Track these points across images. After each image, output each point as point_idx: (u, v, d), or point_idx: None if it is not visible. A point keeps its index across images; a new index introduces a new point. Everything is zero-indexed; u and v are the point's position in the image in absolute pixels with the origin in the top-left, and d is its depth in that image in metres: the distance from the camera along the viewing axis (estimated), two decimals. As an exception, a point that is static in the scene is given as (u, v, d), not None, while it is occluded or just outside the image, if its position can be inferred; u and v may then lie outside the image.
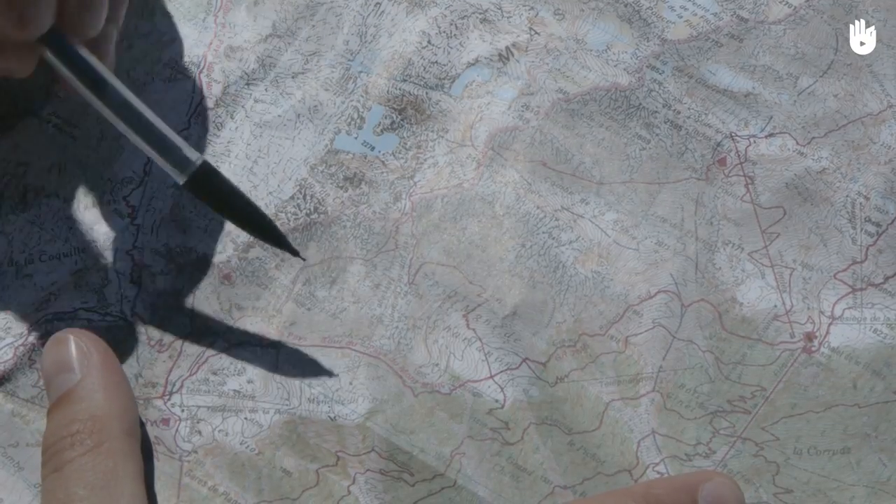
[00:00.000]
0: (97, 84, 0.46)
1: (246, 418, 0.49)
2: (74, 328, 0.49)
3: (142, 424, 0.48)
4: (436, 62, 0.54)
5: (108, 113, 0.46)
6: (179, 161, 0.46)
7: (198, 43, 0.53)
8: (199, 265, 0.51)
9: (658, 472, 0.48)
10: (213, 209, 0.48)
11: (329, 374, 0.49)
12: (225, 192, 0.47)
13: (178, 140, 0.47)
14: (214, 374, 0.49)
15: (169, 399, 0.49)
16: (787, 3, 0.54)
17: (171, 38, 0.53)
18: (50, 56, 0.46)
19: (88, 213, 0.51)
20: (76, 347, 0.46)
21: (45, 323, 0.49)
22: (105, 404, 0.45)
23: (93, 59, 0.46)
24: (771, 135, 0.52)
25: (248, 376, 0.49)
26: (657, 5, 0.54)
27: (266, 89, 0.53)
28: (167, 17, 0.54)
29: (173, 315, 0.50)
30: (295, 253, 0.48)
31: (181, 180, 0.47)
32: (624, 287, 0.51)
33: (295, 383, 0.49)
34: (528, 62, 0.54)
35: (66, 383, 0.46)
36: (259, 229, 0.47)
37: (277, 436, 0.48)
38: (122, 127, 0.47)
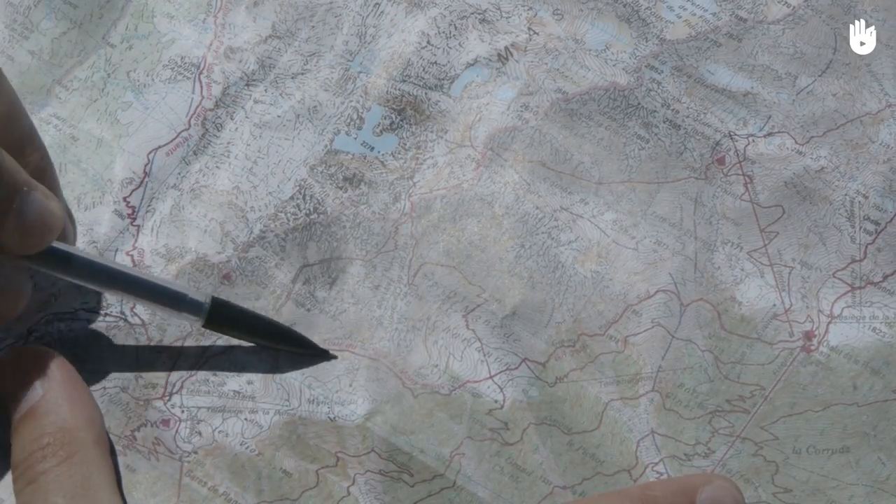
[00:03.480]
0: (89, 273, 0.47)
1: (246, 419, 0.49)
2: (29, 345, 0.49)
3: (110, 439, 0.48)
4: (435, 62, 0.54)
5: (107, 291, 0.48)
6: (191, 308, 0.48)
7: (197, 44, 0.53)
8: (199, 265, 0.51)
9: (657, 472, 0.48)
10: (235, 337, 0.50)
11: (329, 375, 0.49)
12: (239, 317, 0.49)
13: (180, 287, 0.48)
14: (214, 374, 0.49)
15: (169, 400, 0.49)
16: (786, 2, 0.54)
17: (171, 39, 0.53)
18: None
19: (88, 214, 0.51)
20: (35, 363, 0.46)
21: (45, 324, 0.49)
22: (72, 416, 0.45)
23: (73, 252, 0.47)
24: (770, 134, 0.52)
25: (248, 377, 0.49)
26: (656, 5, 0.54)
27: (266, 90, 0.53)
28: (167, 18, 0.54)
29: (173, 315, 0.50)
30: (324, 353, 0.50)
31: (199, 324, 0.48)
32: (623, 287, 0.51)
33: (295, 384, 0.49)
34: (527, 62, 0.54)
35: (29, 399, 0.45)
36: (280, 339, 0.50)
37: (277, 436, 0.49)
38: (124, 297, 0.48)
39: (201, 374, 0.49)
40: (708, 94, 0.53)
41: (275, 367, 0.49)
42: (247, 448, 0.48)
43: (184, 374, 0.49)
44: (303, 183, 0.52)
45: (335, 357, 0.50)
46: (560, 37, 0.54)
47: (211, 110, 0.53)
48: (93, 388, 0.47)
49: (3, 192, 0.43)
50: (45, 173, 0.47)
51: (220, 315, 0.49)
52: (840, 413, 0.49)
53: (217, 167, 0.52)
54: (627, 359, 0.50)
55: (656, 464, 0.49)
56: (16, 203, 0.43)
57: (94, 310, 0.50)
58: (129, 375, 0.49)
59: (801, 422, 0.49)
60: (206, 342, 0.50)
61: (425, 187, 0.52)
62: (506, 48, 0.54)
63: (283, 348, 0.50)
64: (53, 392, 0.45)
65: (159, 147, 0.52)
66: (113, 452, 0.48)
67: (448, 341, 0.50)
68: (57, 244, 0.46)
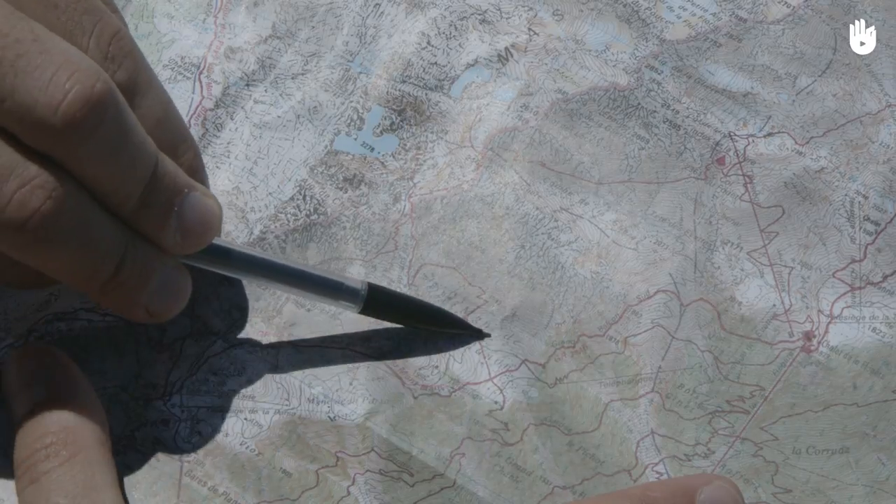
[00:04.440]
0: (247, 267, 0.48)
1: (246, 419, 0.49)
2: (34, 343, 0.49)
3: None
4: (435, 63, 0.54)
5: (264, 283, 0.49)
6: (348, 296, 0.49)
7: (198, 44, 0.53)
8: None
9: (657, 472, 0.48)
10: (390, 321, 0.50)
11: (329, 374, 0.49)
12: (394, 302, 0.50)
13: (336, 276, 0.49)
14: (214, 374, 0.49)
15: (169, 400, 0.49)
16: (786, 2, 0.54)
17: (171, 40, 0.53)
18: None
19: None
20: (39, 362, 0.46)
21: (45, 323, 0.49)
22: (75, 415, 0.45)
23: (232, 247, 0.48)
24: (770, 134, 0.52)
25: (248, 377, 0.49)
26: (656, 5, 0.54)
27: (266, 90, 0.53)
28: (167, 18, 0.54)
29: (173, 315, 0.50)
30: (478, 332, 0.50)
31: (356, 311, 0.49)
32: (623, 287, 0.51)
33: (295, 383, 0.49)
34: (528, 63, 0.54)
35: (32, 398, 0.45)
36: (435, 321, 0.50)
37: (277, 436, 0.48)
38: (282, 289, 0.49)
39: (201, 374, 0.49)
40: (708, 95, 0.53)
41: (275, 366, 0.49)
42: (247, 448, 0.48)
43: (184, 374, 0.49)
44: (303, 183, 0.52)
45: (489, 335, 0.50)
46: (560, 37, 0.54)
47: (211, 110, 0.53)
48: (92, 388, 0.47)
49: (164, 195, 0.44)
50: (198, 171, 0.48)
51: (377, 301, 0.49)
52: (840, 413, 0.49)
53: (217, 167, 0.52)
54: (627, 359, 0.50)
55: (656, 464, 0.49)
56: (177, 205, 0.44)
57: (94, 309, 0.50)
58: (129, 375, 0.49)
59: (801, 422, 0.49)
60: (206, 342, 0.50)
61: (425, 188, 0.52)
62: (506, 49, 0.54)
63: (438, 329, 0.50)
64: (57, 391, 0.45)
65: (159, 147, 0.52)
66: (116, 452, 0.48)
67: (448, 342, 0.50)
68: (216, 240, 0.47)
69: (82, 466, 0.44)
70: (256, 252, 0.48)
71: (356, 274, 0.51)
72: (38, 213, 0.41)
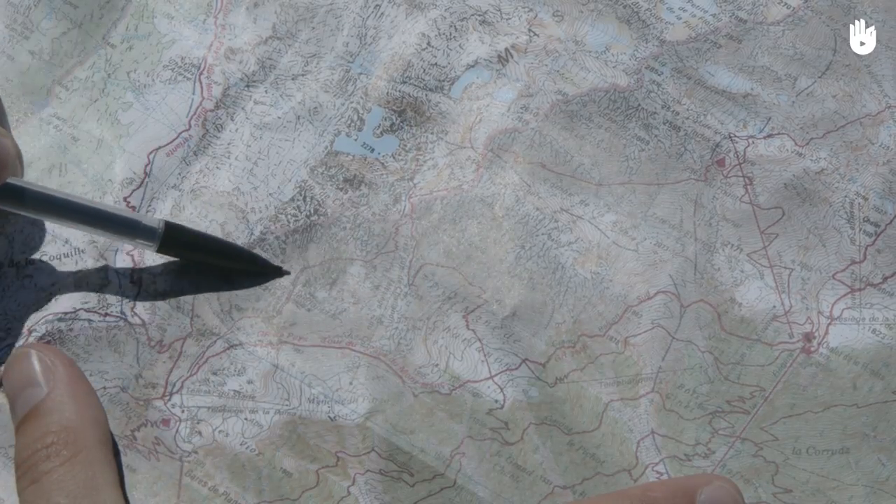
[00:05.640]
0: (43, 206, 0.48)
1: (246, 419, 0.49)
2: (35, 343, 0.49)
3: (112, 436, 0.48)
4: (435, 64, 0.54)
5: (62, 223, 0.48)
6: (145, 234, 0.49)
7: (198, 45, 0.53)
8: (200, 265, 0.51)
9: (657, 472, 0.48)
10: (190, 259, 0.50)
11: (329, 374, 0.49)
12: (194, 239, 0.50)
13: (133, 214, 0.49)
14: (214, 374, 0.49)
15: (169, 400, 0.49)
16: (786, 3, 0.54)
17: (172, 40, 0.53)
18: None
19: (89, 214, 0.51)
20: (39, 361, 0.46)
21: (45, 323, 0.49)
22: (76, 415, 0.45)
23: (28, 186, 0.48)
24: (769, 135, 0.52)
25: (248, 377, 0.49)
26: (656, 6, 0.54)
27: (266, 91, 0.53)
28: (167, 18, 0.54)
29: (173, 315, 0.50)
30: (277, 270, 0.51)
31: (153, 249, 0.49)
32: (623, 288, 0.51)
33: (295, 383, 0.49)
34: (528, 64, 0.54)
35: (33, 398, 0.45)
36: (233, 258, 0.50)
37: (277, 436, 0.48)
38: (80, 228, 0.48)
39: (201, 374, 0.49)
40: (708, 96, 0.53)
41: (275, 366, 0.49)
42: (247, 448, 0.48)
43: (184, 374, 0.49)
44: (303, 184, 0.52)
45: (288, 273, 0.51)
46: (560, 38, 0.54)
47: (211, 111, 0.53)
48: (92, 387, 0.47)
49: None
50: None
51: (174, 239, 0.49)
52: (840, 414, 0.49)
53: (217, 168, 0.52)
54: (628, 359, 0.50)
55: (656, 464, 0.49)
56: None
57: (94, 310, 0.50)
58: (129, 375, 0.49)
59: (801, 423, 0.49)
60: (206, 342, 0.50)
61: (425, 188, 0.52)
62: (506, 50, 0.54)
63: (236, 266, 0.50)
64: (58, 391, 0.45)
65: (160, 147, 0.52)
66: (117, 452, 0.48)
67: (448, 341, 0.50)
68: (10, 179, 0.47)
69: (83, 466, 0.44)
70: (52, 191, 0.48)
71: (356, 274, 0.51)
72: None
